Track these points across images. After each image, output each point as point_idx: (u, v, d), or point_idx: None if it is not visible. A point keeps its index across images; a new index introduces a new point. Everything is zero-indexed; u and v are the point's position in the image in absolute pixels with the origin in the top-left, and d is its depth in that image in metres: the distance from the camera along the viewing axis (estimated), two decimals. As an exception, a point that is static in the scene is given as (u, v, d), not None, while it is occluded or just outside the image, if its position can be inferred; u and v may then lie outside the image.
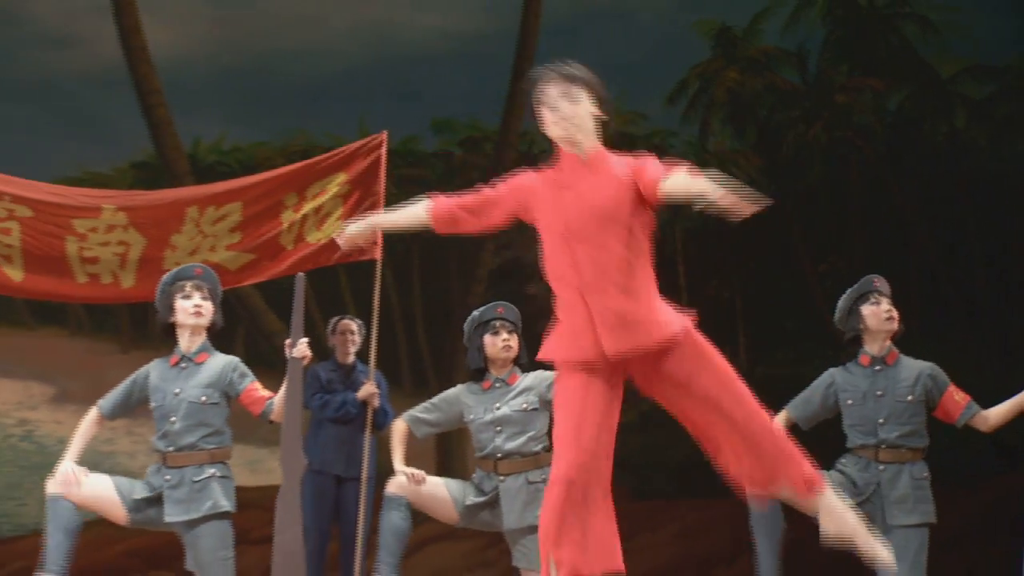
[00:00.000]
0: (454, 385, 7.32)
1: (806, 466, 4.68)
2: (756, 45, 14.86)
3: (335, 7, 13.06)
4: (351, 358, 9.04)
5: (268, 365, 10.15)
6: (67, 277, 8.14)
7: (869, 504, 6.61)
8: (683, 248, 14.65)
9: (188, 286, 6.67)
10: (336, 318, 9.26)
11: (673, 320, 4.62)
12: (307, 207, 8.69)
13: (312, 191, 8.73)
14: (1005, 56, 13.80)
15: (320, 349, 9.55)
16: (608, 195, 4.68)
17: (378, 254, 8.47)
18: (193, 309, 6.65)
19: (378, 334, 8.27)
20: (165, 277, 6.77)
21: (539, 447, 7.13)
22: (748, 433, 4.63)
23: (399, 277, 13.70)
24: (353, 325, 9.02)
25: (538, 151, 14.52)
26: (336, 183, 8.77)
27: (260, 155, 10.55)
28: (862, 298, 6.85)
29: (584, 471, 4.58)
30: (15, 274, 8.21)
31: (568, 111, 4.76)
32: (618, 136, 14.27)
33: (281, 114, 12.31)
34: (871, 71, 14.49)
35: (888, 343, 6.84)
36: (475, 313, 7.36)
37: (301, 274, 6.68)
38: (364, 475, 8.49)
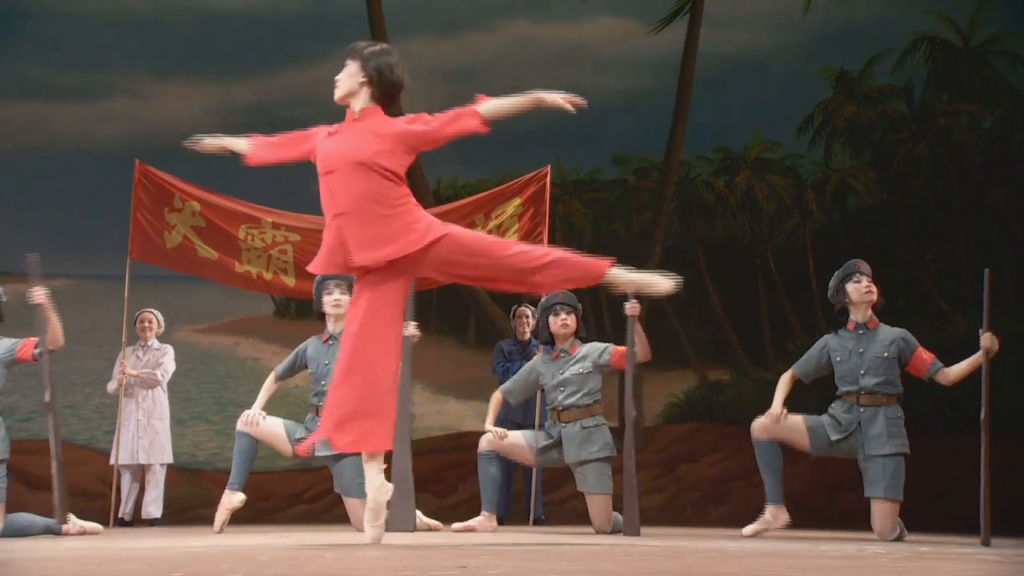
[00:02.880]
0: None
1: (585, 261, 5.02)
2: (870, 84, 14.62)
3: (537, 76, 13.25)
4: (526, 335, 9.73)
5: (492, 343, 11.04)
6: (323, 283, 9.02)
7: (852, 439, 6.88)
8: (812, 243, 14.54)
9: (331, 285, 7.21)
10: (515, 305, 9.95)
11: (424, 232, 4.88)
12: (492, 224, 9.68)
13: (496, 212, 9.77)
14: (1081, 79, 13.69)
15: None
16: (361, 144, 4.84)
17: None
18: (334, 302, 7.19)
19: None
20: (317, 278, 7.27)
21: (591, 400, 7.46)
22: (508, 263, 4.95)
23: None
24: (527, 310, 9.60)
25: (694, 175, 14.82)
26: (513, 205, 9.74)
27: (484, 189, 10.98)
28: (847, 278, 7.00)
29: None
30: (290, 281, 9.39)
31: (340, 78, 4.94)
32: (757, 160, 15.16)
33: (498, 156, 12.79)
34: (967, 98, 14.33)
35: (869, 312, 7.01)
36: (543, 300, 7.60)
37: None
38: (536, 422, 9.31)
